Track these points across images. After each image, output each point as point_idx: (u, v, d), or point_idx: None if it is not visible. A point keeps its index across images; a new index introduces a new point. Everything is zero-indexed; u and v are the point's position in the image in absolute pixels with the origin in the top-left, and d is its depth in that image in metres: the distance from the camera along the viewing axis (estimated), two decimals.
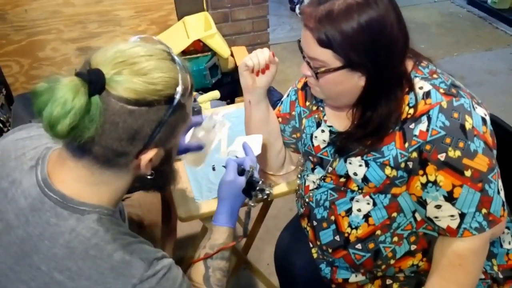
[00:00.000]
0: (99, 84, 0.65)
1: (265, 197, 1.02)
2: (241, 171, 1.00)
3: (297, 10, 4.47)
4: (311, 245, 1.21)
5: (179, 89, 0.71)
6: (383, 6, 0.87)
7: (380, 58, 0.88)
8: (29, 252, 0.72)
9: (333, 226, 1.09)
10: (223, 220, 0.95)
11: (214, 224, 0.96)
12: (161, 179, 0.86)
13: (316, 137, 1.12)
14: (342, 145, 1.02)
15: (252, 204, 1.02)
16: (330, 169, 1.09)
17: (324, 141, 1.10)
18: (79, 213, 0.72)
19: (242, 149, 1.07)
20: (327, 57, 0.89)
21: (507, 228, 1.06)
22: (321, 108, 1.12)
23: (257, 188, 1.00)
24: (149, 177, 0.79)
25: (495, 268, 1.06)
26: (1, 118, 2.38)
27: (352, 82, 0.92)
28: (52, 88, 0.63)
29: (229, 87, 2.56)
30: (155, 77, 0.68)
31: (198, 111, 1.59)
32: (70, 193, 0.73)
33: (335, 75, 0.91)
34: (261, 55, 1.09)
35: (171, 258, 0.78)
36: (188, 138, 1.10)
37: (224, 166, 1.01)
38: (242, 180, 0.97)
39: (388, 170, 0.97)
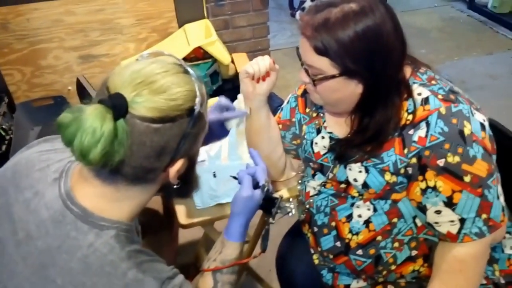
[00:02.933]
0: (122, 108, 0.66)
1: (287, 214, 0.96)
2: (255, 185, 0.94)
3: (297, 17, 4.50)
4: (312, 251, 1.21)
5: (198, 100, 0.73)
6: (380, 14, 0.87)
7: (376, 66, 0.89)
8: (46, 264, 0.72)
9: (334, 232, 1.09)
10: (237, 236, 0.92)
11: (227, 239, 0.92)
12: (186, 186, 0.87)
13: (316, 143, 1.12)
14: (342, 151, 1.02)
15: (272, 221, 0.96)
16: (330, 175, 1.09)
17: (324, 147, 1.10)
18: (98, 228, 0.73)
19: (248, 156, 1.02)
20: (324, 64, 0.90)
21: (508, 233, 1.06)
22: (321, 115, 1.12)
23: (277, 205, 0.96)
24: (175, 186, 0.80)
25: (497, 273, 1.05)
26: (4, 126, 2.39)
27: (349, 90, 0.93)
28: (78, 118, 0.64)
29: (230, 93, 2.55)
30: (174, 92, 0.70)
31: None
32: (91, 208, 0.74)
33: (332, 83, 0.92)
34: (262, 63, 1.09)
35: (182, 275, 0.79)
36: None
37: (236, 179, 0.97)
38: (259, 195, 0.93)
39: (388, 176, 0.97)
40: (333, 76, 0.91)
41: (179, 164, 0.76)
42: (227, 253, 0.91)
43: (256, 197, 0.92)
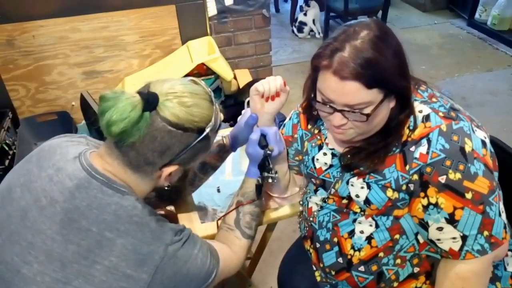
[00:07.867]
0: (152, 104, 0.81)
1: (270, 181, 1.12)
2: (262, 145, 1.10)
3: (295, 30, 4.55)
4: (314, 268, 1.21)
5: (210, 124, 0.89)
6: (391, 31, 0.92)
7: (406, 74, 0.92)
8: (76, 218, 0.82)
9: (336, 248, 1.09)
10: (252, 174, 1.13)
11: (246, 176, 1.15)
12: (175, 193, 1.07)
13: (317, 159, 1.13)
14: (349, 160, 1.03)
15: (273, 175, 1.12)
16: (332, 190, 1.10)
17: (326, 163, 1.11)
18: (120, 193, 0.84)
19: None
20: (373, 95, 0.88)
21: (510, 250, 1.06)
22: (323, 131, 1.14)
23: (269, 171, 1.11)
24: (166, 188, 0.94)
25: None
26: (7, 141, 2.41)
27: (389, 106, 0.94)
28: (117, 97, 0.78)
29: (232, 109, 2.59)
30: (195, 111, 0.85)
31: None
32: (112, 177, 0.86)
33: (381, 108, 0.91)
34: (273, 83, 1.12)
35: (190, 229, 0.94)
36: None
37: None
38: (261, 152, 1.10)
39: (389, 193, 0.97)
40: (381, 101, 0.90)
41: (173, 168, 0.88)
42: (246, 186, 1.13)
43: (259, 151, 1.10)
